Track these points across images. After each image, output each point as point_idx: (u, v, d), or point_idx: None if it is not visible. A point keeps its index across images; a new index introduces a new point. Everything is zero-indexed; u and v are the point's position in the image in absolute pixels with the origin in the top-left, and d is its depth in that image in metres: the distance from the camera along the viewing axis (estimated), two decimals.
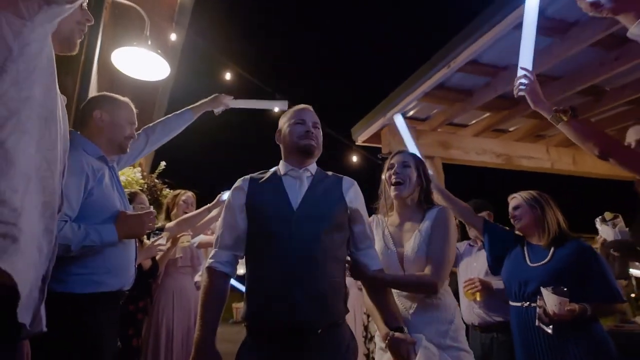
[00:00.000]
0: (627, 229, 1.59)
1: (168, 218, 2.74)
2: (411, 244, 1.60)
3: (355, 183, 1.55)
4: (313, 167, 1.54)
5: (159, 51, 3.10)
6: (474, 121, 4.29)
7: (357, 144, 4.81)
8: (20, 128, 0.78)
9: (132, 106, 1.75)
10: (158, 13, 3.88)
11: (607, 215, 1.62)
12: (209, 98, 2.19)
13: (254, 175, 1.54)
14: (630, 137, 1.57)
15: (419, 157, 1.78)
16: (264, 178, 1.51)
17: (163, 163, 4.38)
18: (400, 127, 2.52)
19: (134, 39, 3.10)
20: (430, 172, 1.81)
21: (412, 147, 2.37)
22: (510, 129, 4.54)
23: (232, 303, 12.31)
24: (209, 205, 2.39)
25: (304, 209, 1.40)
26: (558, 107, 1.44)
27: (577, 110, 1.42)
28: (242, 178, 1.53)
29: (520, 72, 1.56)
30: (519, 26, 2.56)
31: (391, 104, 3.76)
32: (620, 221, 1.60)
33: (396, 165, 1.72)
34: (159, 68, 3.20)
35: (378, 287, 1.49)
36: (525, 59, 1.62)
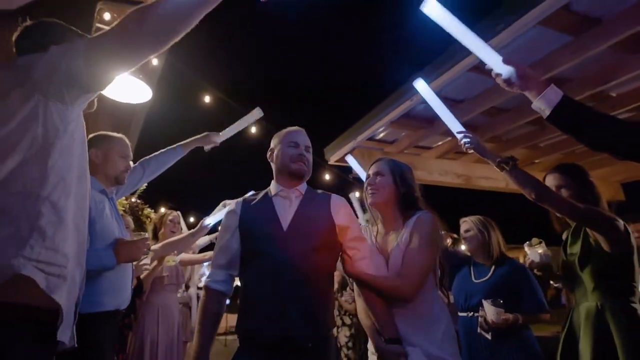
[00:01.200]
0: (549, 252, 1.92)
1: (155, 237, 2.91)
2: (393, 256, 1.59)
3: (344, 200, 1.59)
4: (303, 186, 1.59)
5: (141, 76, 3.27)
6: (437, 144, 4.66)
7: (329, 163, 5.09)
8: (66, 190, 0.99)
9: (126, 141, 1.94)
10: None
11: (534, 241, 1.94)
12: (200, 136, 2.40)
13: (247, 197, 1.63)
14: (549, 183, 1.89)
15: (399, 166, 1.72)
16: (256, 200, 1.58)
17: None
18: (353, 165, 2.74)
19: None
20: None
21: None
22: (470, 152, 4.94)
23: None
24: (192, 230, 2.58)
25: (294, 229, 1.45)
26: (501, 158, 1.73)
27: (517, 160, 1.72)
28: (235, 201, 1.61)
29: (459, 136, 1.83)
30: (472, 69, 2.96)
31: (361, 129, 4.06)
32: (543, 246, 1.93)
33: (371, 175, 1.72)
34: (140, 91, 3.35)
35: (370, 294, 1.53)
36: (453, 125, 1.89)
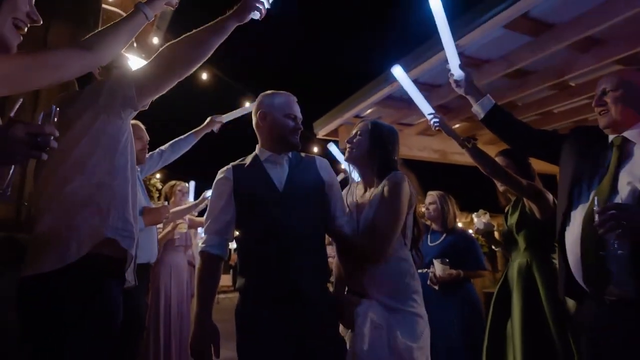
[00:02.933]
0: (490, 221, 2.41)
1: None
2: (363, 214, 1.66)
3: (327, 161, 1.71)
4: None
5: (143, 55, 3.56)
6: (418, 121, 5.05)
7: (317, 137, 5.46)
8: (126, 179, 1.40)
9: (141, 125, 2.32)
10: None
11: (480, 212, 2.43)
12: (205, 123, 2.75)
13: (235, 163, 1.64)
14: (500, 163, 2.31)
15: (380, 128, 1.74)
16: (246, 165, 1.61)
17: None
18: (334, 153, 3.07)
19: None
20: None
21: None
22: (414, 123, 5.33)
23: None
24: (197, 201, 3.01)
25: (289, 190, 1.54)
26: (464, 137, 2.08)
27: (477, 139, 2.12)
28: (224, 168, 1.62)
29: (429, 117, 2.21)
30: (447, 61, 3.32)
31: (347, 108, 4.44)
32: (487, 216, 2.41)
33: (353, 133, 1.78)
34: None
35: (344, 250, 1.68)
36: (425, 108, 2.23)
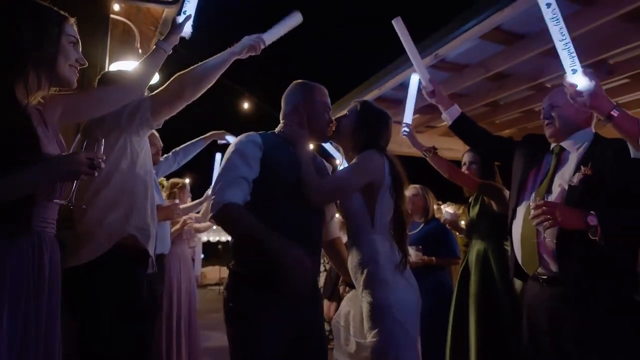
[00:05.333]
0: (458, 211, 2.76)
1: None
2: None
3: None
4: None
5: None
6: None
7: None
8: (145, 185, 1.70)
9: (156, 133, 2.61)
10: (144, 22, 4.50)
11: (448, 203, 2.78)
12: (217, 132, 3.04)
13: (262, 133, 1.62)
14: (464, 159, 2.66)
15: (369, 111, 1.75)
16: (272, 137, 1.61)
17: None
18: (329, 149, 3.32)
19: (123, 49, 3.79)
20: None
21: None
22: (438, 125, 5.65)
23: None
24: (200, 199, 3.37)
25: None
26: (425, 147, 2.43)
27: (437, 149, 2.44)
28: (250, 133, 1.59)
29: (403, 126, 2.48)
30: (431, 67, 3.60)
31: (337, 110, 4.72)
32: (453, 207, 2.76)
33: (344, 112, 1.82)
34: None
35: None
36: (408, 116, 2.51)
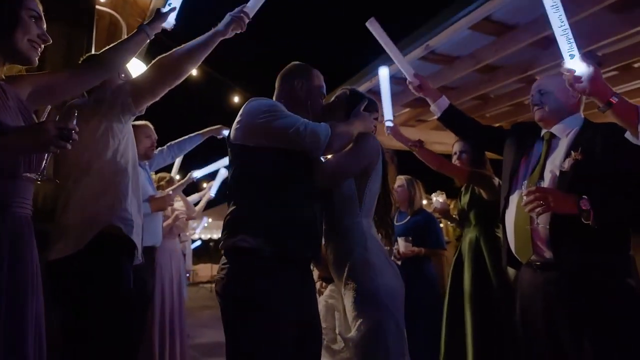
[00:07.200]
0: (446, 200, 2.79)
1: None
2: None
3: None
4: None
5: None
6: (398, 114, 5.34)
7: None
8: (128, 175, 1.66)
9: (150, 125, 2.57)
10: (131, 14, 4.42)
11: (438, 192, 2.80)
12: (214, 127, 2.99)
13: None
14: (455, 149, 2.66)
15: (354, 98, 1.77)
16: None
17: None
18: None
19: (109, 41, 3.72)
20: None
21: None
22: (429, 119, 5.67)
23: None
24: (184, 180, 3.38)
25: None
26: (412, 142, 2.42)
27: (424, 142, 2.43)
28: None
29: (386, 122, 2.40)
30: (421, 58, 3.60)
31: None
32: (444, 196, 2.79)
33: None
34: (134, 68, 3.86)
35: None
36: (387, 112, 2.38)
